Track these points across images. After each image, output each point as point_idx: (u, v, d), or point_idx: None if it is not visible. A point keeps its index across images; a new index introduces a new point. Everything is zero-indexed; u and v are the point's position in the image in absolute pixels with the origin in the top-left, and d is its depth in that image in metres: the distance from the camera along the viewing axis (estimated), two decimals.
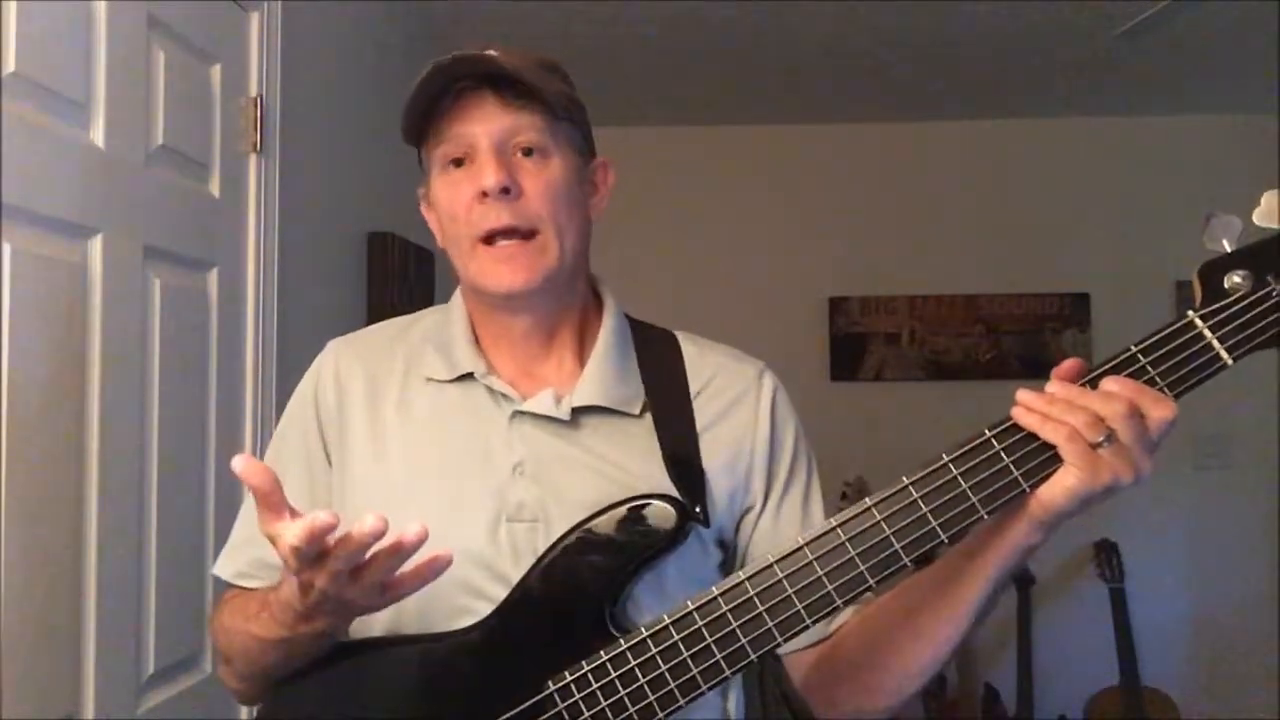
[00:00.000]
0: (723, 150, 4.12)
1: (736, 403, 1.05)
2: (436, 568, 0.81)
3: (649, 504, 0.92)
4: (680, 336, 1.10)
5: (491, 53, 0.98)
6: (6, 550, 1.19)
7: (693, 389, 1.04)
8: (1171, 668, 3.78)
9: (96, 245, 1.38)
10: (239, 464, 0.77)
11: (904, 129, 4.07)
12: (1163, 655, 3.76)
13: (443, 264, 2.84)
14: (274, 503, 0.77)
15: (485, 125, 0.97)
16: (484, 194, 0.95)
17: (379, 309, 2.49)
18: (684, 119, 4.03)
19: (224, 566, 1.08)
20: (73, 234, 1.34)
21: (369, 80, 2.52)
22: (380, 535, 0.76)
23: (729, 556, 1.04)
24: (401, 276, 2.59)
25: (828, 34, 3.12)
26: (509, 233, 0.97)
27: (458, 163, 0.99)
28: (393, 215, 2.57)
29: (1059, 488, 0.81)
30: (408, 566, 0.81)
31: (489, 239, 0.97)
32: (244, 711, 1.77)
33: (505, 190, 0.95)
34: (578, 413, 1.00)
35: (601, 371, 1.02)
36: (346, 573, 0.79)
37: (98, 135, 1.39)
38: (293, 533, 0.75)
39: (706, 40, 3.17)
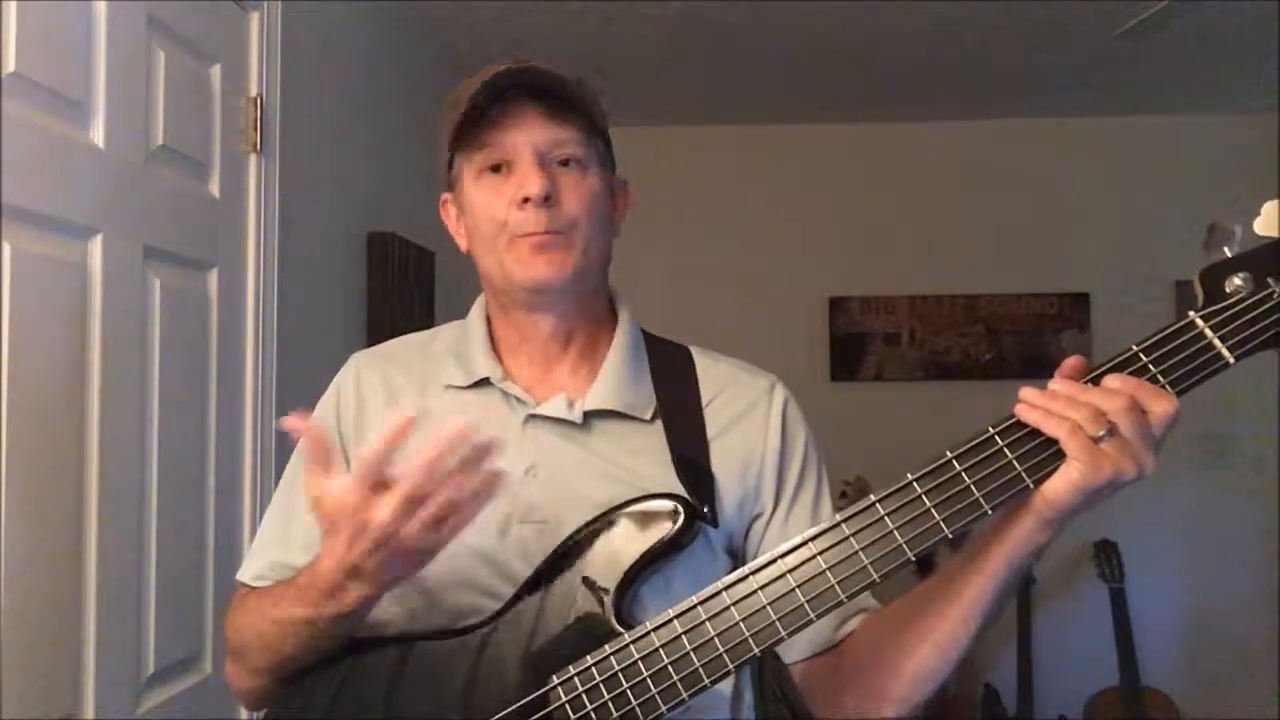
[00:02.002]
0: (723, 150, 4.12)
1: (747, 413, 1.06)
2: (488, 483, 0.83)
3: (657, 503, 0.93)
4: (693, 350, 1.12)
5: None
6: (6, 550, 1.19)
7: (704, 398, 1.06)
8: (1171, 668, 3.78)
9: (96, 245, 1.38)
10: (291, 422, 0.82)
11: (904, 129, 4.07)
12: (1163, 655, 3.76)
13: (443, 264, 2.86)
14: (322, 456, 0.83)
15: (529, 135, 1.00)
16: (525, 200, 0.98)
17: (379, 309, 2.49)
18: (684, 119, 4.04)
19: (244, 570, 1.09)
20: (73, 234, 1.34)
21: (369, 80, 2.52)
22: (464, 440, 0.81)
23: (738, 566, 1.04)
24: (401, 276, 2.58)
25: (827, 34, 3.12)
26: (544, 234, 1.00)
27: (495, 169, 1.01)
28: (393, 215, 2.57)
29: (1062, 481, 0.81)
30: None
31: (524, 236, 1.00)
32: (244, 711, 1.77)
33: (547, 198, 0.98)
34: (590, 416, 1.03)
35: (614, 377, 1.05)
36: (410, 504, 0.81)
37: (98, 135, 1.39)
38: (376, 445, 0.80)
39: (706, 40, 3.17)
